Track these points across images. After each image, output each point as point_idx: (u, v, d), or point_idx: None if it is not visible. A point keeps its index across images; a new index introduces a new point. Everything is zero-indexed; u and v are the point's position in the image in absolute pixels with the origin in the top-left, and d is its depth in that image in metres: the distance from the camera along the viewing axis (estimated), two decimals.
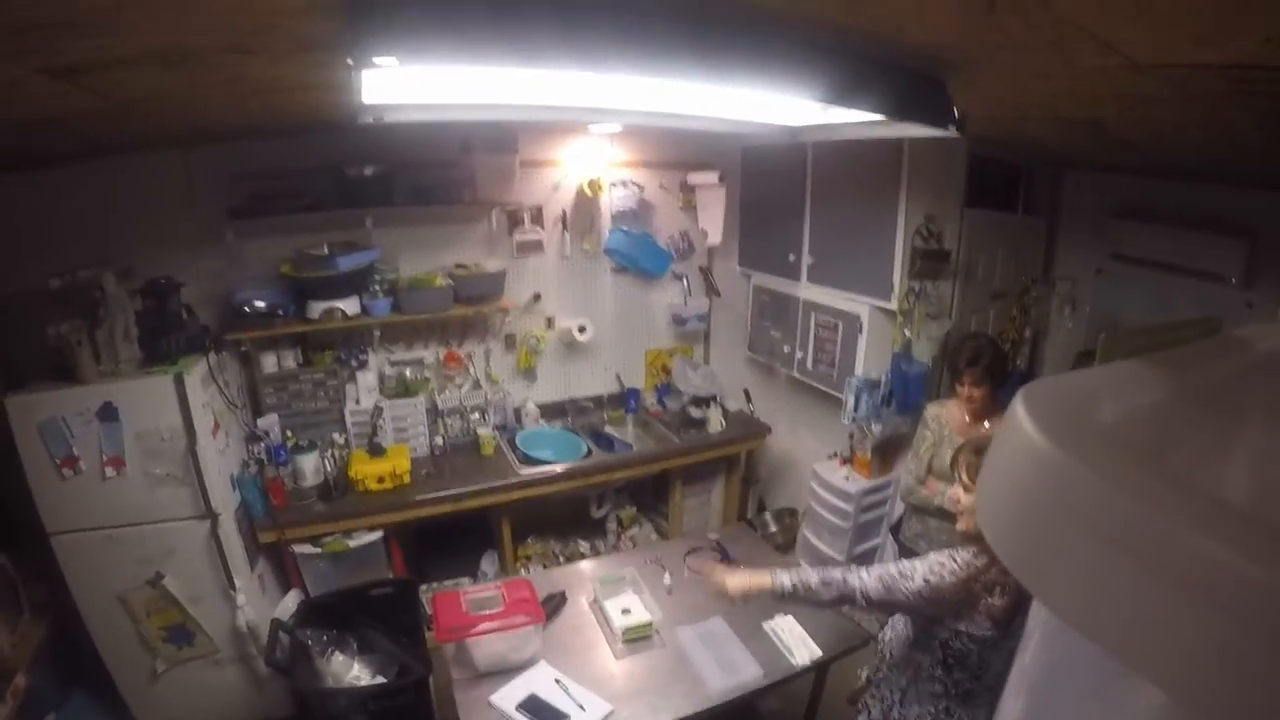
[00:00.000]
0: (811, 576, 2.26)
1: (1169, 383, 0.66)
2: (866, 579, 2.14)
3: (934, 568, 2.04)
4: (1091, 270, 3.83)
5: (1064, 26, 1.45)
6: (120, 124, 2.68)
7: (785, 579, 2.31)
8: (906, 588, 2.06)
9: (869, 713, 2.38)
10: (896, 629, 2.38)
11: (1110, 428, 0.57)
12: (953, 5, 1.47)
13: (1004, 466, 0.58)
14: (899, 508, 3.73)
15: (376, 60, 1.48)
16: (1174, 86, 1.75)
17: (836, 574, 2.21)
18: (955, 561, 2.03)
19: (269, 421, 3.99)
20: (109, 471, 3.08)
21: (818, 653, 2.84)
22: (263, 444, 3.84)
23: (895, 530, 3.72)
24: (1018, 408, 0.57)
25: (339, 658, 3.15)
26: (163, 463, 3.15)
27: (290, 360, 4.09)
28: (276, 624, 3.16)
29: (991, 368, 3.06)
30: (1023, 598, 1.84)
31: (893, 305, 3.80)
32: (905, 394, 3.87)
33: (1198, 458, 0.53)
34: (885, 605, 2.16)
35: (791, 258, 4.47)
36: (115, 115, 2.41)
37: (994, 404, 3.13)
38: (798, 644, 2.88)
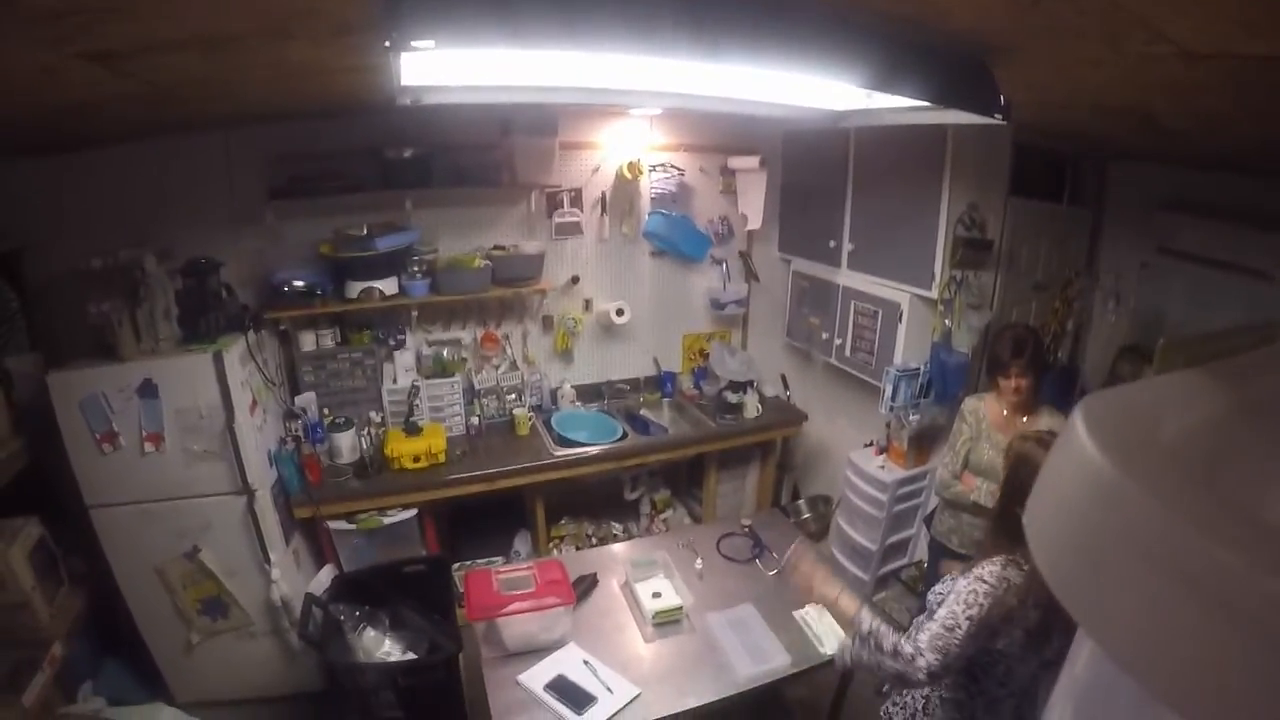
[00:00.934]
0: (887, 637, 2.07)
1: (1229, 396, 0.62)
2: (926, 656, 1.94)
3: (969, 601, 1.94)
4: (1136, 264, 3.74)
5: (1115, 13, 1.41)
6: (161, 108, 2.71)
7: (866, 622, 2.17)
8: (958, 641, 1.92)
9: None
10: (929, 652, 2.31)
11: (1172, 447, 0.53)
12: None
13: (1060, 484, 0.55)
14: (934, 499, 3.69)
15: (414, 43, 1.47)
16: (1225, 77, 1.70)
17: (906, 648, 1.99)
18: (986, 583, 1.94)
19: (306, 399, 4.04)
20: (148, 447, 3.15)
21: (848, 642, 2.82)
22: (300, 421, 3.90)
23: (928, 522, 3.68)
24: (1077, 421, 0.54)
25: (370, 633, 3.19)
26: (201, 439, 3.21)
27: (328, 339, 4.14)
28: (310, 598, 3.20)
29: (1034, 358, 3.00)
30: (1056, 608, 1.80)
31: (933, 294, 3.74)
32: (944, 384, 3.81)
33: (1260, 478, 0.50)
34: (946, 671, 1.97)
35: (832, 244, 4.42)
36: (156, 100, 2.44)
37: (1035, 398, 3.07)
38: (827, 633, 2.85)
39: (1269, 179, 3.15)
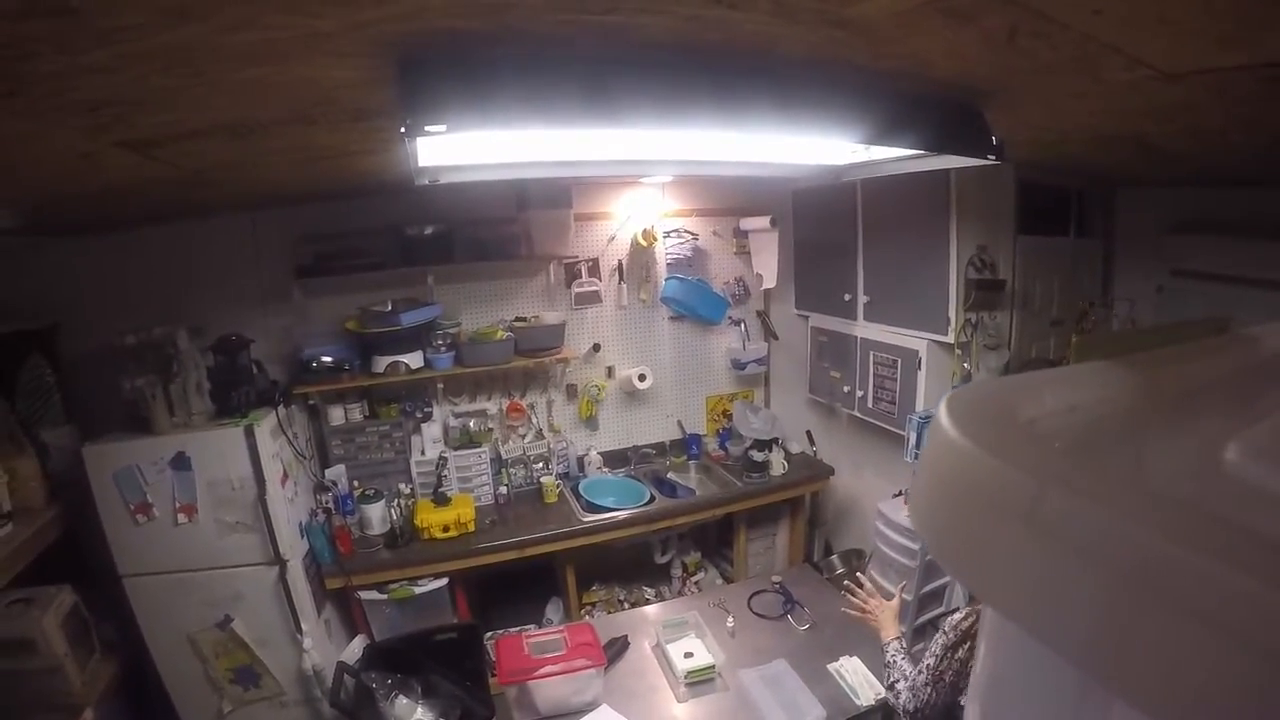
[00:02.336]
0: (894, 671, 2.30)
1: (1125, 382, 0.67)
2: (904, 694, 2.16)
3: (931, 649, 2.08)
4: (1152, 288, 3.74)
5: (1087, 44, 1.47)
6: (191, 191, 2.84)
7: (888, 653, 2.40)
8: (922, 685, 2.08)
9: None
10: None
11: (1033, 423, 0.61)
12: (974, 37, 1.50)
13: (928, 464, 0.61)
14: None
15: (428, 128, 1.55)
16: (1208, 92, 1.74)
17: (899, 686, 2.21)
18: (945, 634, 2.05)
19: (336, 472, 4.09)
20: (181, 518, 3.20)
21: (883, 693, 2.79)
22: (330, 493, 3.93)
23: None
24: (940, 410, 0.61)
25: (403, 701, 3.18)
26: (233, 510, 3.26)
27: (357, 413, 4.21)
28: (342, 666, 3.21)
29: None
30: None
31: (950, 339, 3.75)
32: None
33: (1120, 450, 0.55)
34: (920, 714, 2.12)
35: (847, 297, 4.45)
36: (186, 183, 2.56)
37: None
38: (862, 684, 2.83)
39: (1274, 188, 3.17)
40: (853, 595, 2.73)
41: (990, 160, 2.25)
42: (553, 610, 4.44)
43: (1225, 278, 3.34)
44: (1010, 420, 0.59)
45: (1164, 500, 0.44)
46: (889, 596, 2.68)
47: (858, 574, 3.10)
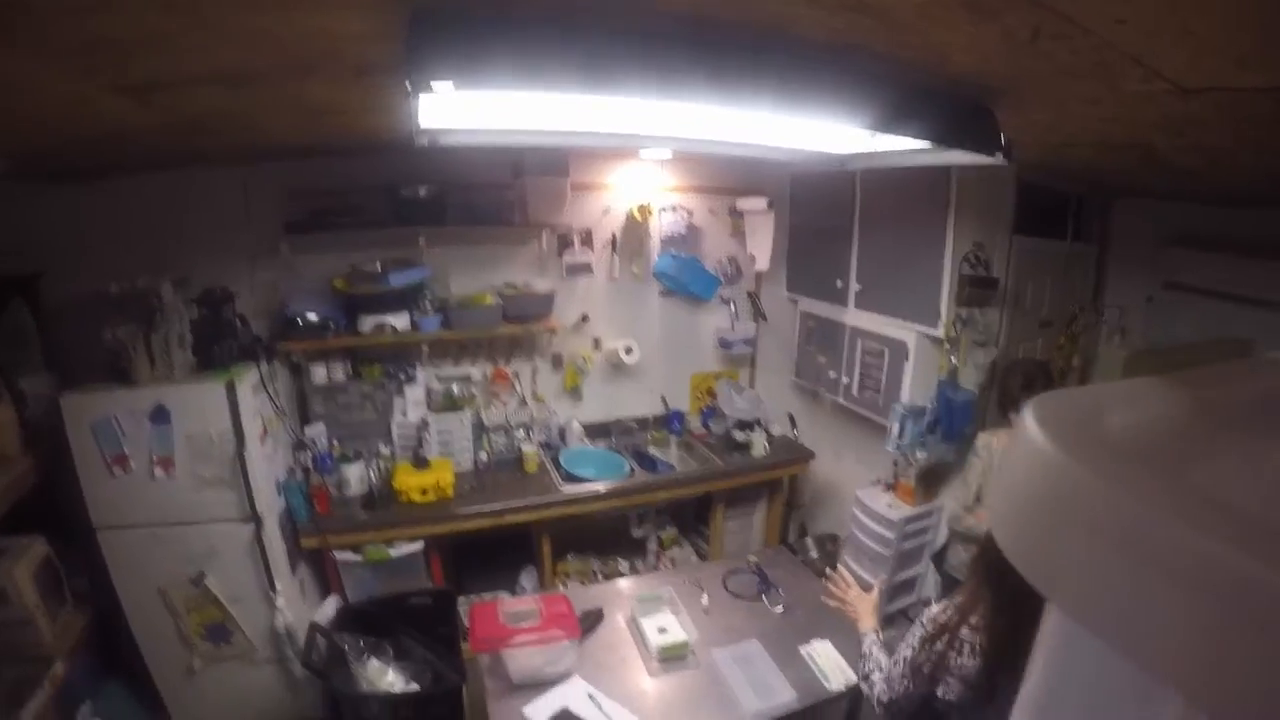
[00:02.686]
0: (869, 662, 2.28)
1: (1184, 398, 0.67)
2: (878, 685, 2.16)
3: (908, 640, 2.06)
4: (1142, 298, 3.78)
5: (1108, 52, 1.45)
6: (185, 140, 2.78)
7: (864, 643, 2.37)
8: (898, 678, 2.08)
9: None
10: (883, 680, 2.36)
11: (1116, 436, 0.58)
12: (996, 35, 1.48)
13: (1012, 470, 0.59)
14: (942, 536, 3.68)
15: (434, 84, 1.52)
16: (1221, 110, 1.74)
17: (874, 677, 2.20)
18: (922, 626, 2.03)
19: (316, 430, 4.06)
20: (158, 471, 3.17)
21: (853, 678, 2.79)
22: (309, 452, 3.92)
23: (939, 560, 3.67)
24: (1027, 415, 0.59)
25: (374, 663, 3.18)
26: (211, 465, 3.23)
27: (340, 372, 4.18)
28: (315, 627, 3.21)
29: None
30: (995, 661, 1.83)
31: (939, 332, 3.77)
32: (951, 422, 3.82)
33: (1204, 466, 0.54)
34: (895, 706, 2.12)
35: (839, 284, 4.46)
36: (181, 131, 2.51)
37: None
38: (833, 669, 2.84)
39: (1275, 210, 3.19)
40: (832, 585, 2.74)
41: (998, 160, 2.24)
42: (527, 578, 4.45)
43: (1217, 293, 3.37)
44: (1099, 434, 0.58)
45: (1259, 524, 0.44)
46: (867, 588, 2.69)
47: (838, 565, 3.12)
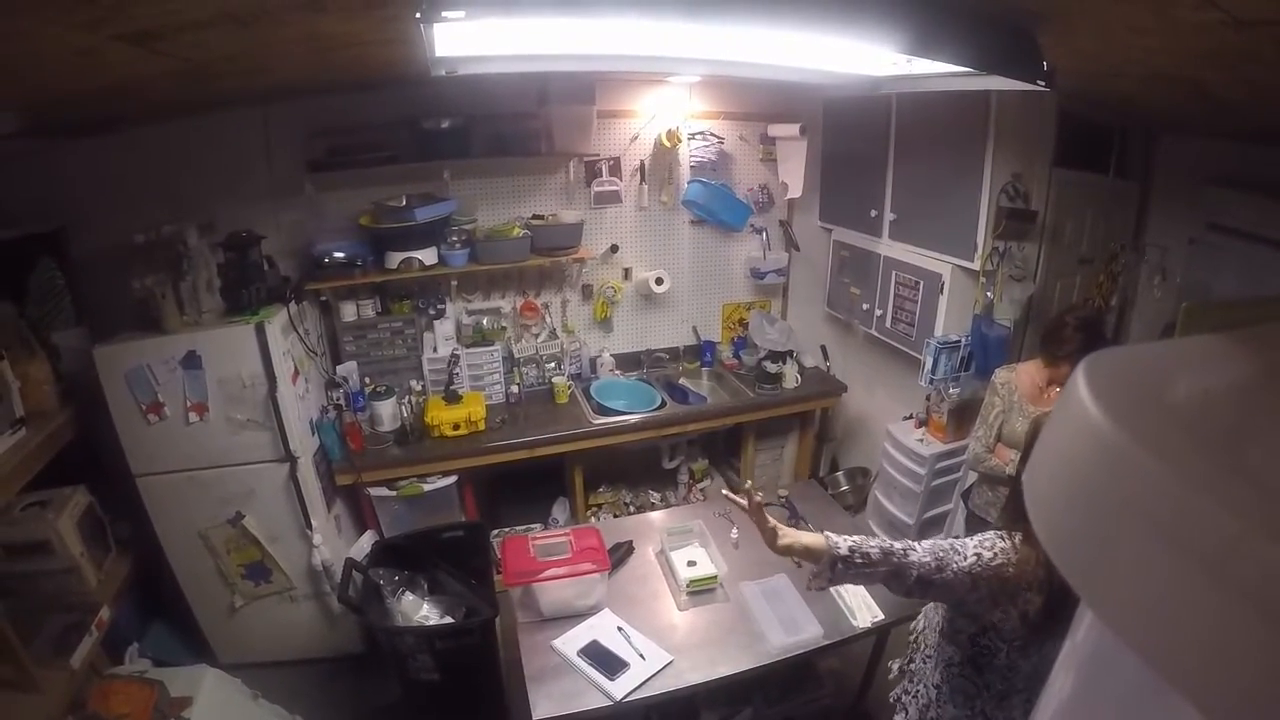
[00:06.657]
0: (871, 545, 1.98)
1: (1256, 363, 0.57)
2: (920, 551, 1.91)
3: (985, 543, 1.90)
4: (1184, 239, 3.62)
5: None
6: (198, 85, 2.74)
7: (842, 543, 2.00)
8: (957, 565, 1.87)
9: (906, 711, 2.28)
10: (929, 618, 2.27)
11: (1183, 410, 0.50)
12: None
13: (1059, 444, 0.52)
14: (971, 474, 3.65)
15: (445, 14, 1.47)
16: (1276, 45, 1.63)
17: (897, 545, 1.95)
18: (1007, 541, 1.89)
19: (348, 368, 4.10)
20: (192, 417, 3.23)
21: (880, 615, 2.81)
22: (341, 390, 3.96)
23: (966, 497, 3.65)
24: (1079, 379, 0.50)
25: (409, 597, 3.25)
26: (244, 408, 3.28)
27: (369, 309, 4.19)
28: (350, 563, 3.28)
29: (1091, 346, 2.91)
30: (1057, 602, 1.74)
31: (975, 265, 3.67)
32: (985, 357, 3.74)
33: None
34: (933, 584, 1.91)
35: (873, 213, 4.35)
36: (193, 77, 2.47)
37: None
38: (860, 606, 2.85)
39: None
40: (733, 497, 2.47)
41: (1039, 86, 2.14)
42: (559, 510, 4.51)
43: (1260, 237, 3.21)
44: (1165, 408, 0.48)
45: None
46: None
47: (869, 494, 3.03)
